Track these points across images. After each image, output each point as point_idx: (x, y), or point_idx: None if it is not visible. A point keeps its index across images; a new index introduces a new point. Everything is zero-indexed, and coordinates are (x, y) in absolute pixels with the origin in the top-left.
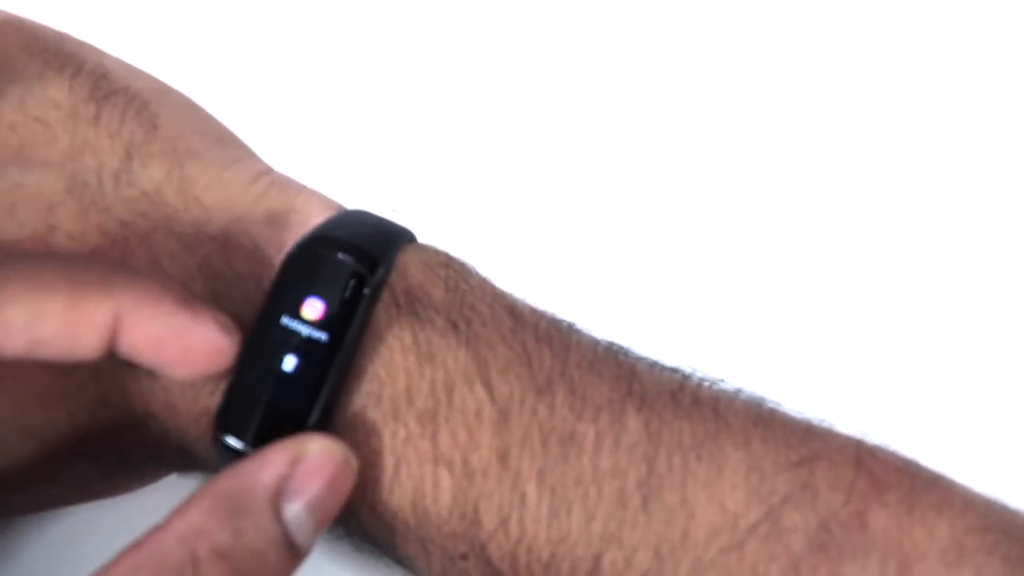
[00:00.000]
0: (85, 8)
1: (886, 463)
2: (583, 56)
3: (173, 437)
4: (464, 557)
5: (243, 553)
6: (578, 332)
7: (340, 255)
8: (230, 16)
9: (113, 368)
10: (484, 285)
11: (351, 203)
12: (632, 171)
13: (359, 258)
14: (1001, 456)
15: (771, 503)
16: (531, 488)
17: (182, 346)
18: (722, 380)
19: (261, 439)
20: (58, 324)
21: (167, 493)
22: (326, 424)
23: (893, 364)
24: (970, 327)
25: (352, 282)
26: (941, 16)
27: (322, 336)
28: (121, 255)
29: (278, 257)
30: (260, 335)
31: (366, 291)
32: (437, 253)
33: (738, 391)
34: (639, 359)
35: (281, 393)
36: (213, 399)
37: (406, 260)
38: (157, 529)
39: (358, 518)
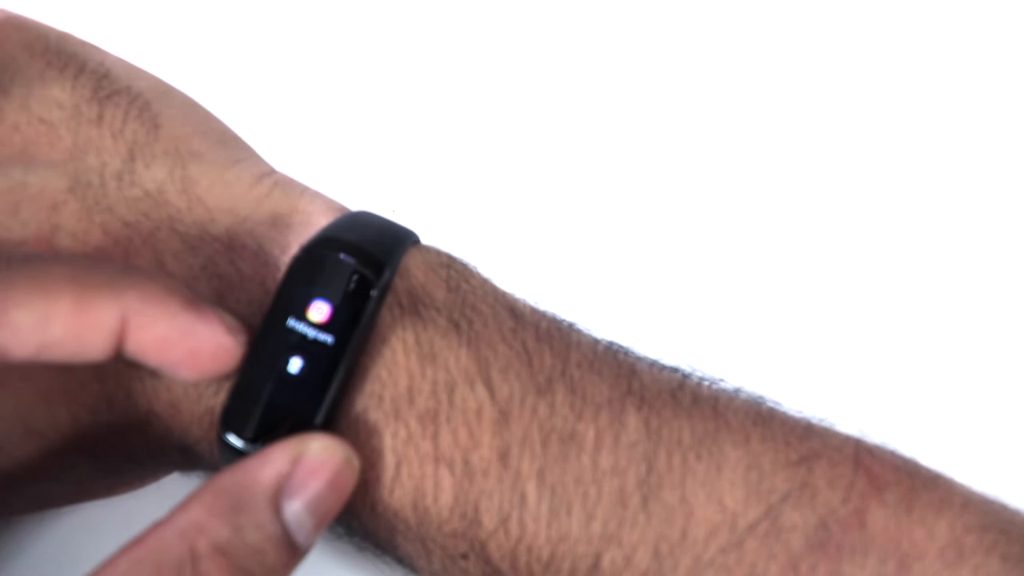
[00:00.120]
0: (86, 8)
1: (885, 462)
2: (583, 57)
3: (176, 436)
4: (464, 556)
5: (242, 550)
6: (578, 331)
7: (346, 258)
8: (231, 16)
9: (116, 367)
10: (485, 285)
11: (352, 203)
12: (632, 171)
13: (365, 261)
14: (1001, 455)
15: (770, 502)
16: (531, 487)
17: (188, 347)
18: (722, 379)
19: (265, 440)
20: (66, 326)
21: (167, 493)
22: (330, 425)
23: (892, 364)
24: (969, 327)
25: (358, 285)
26: (941, 16)
27: (328, 339)
28: (124, 255)
29: (282, 258)
30: (266, 336)
31: (373, 294)
32: (439, 254)
33: (737, 390)
34: (639, 358)
35: (286, 394)
36: (216, 399)
37: (408, 261)
38: (158, 525)
39: (359, 517)
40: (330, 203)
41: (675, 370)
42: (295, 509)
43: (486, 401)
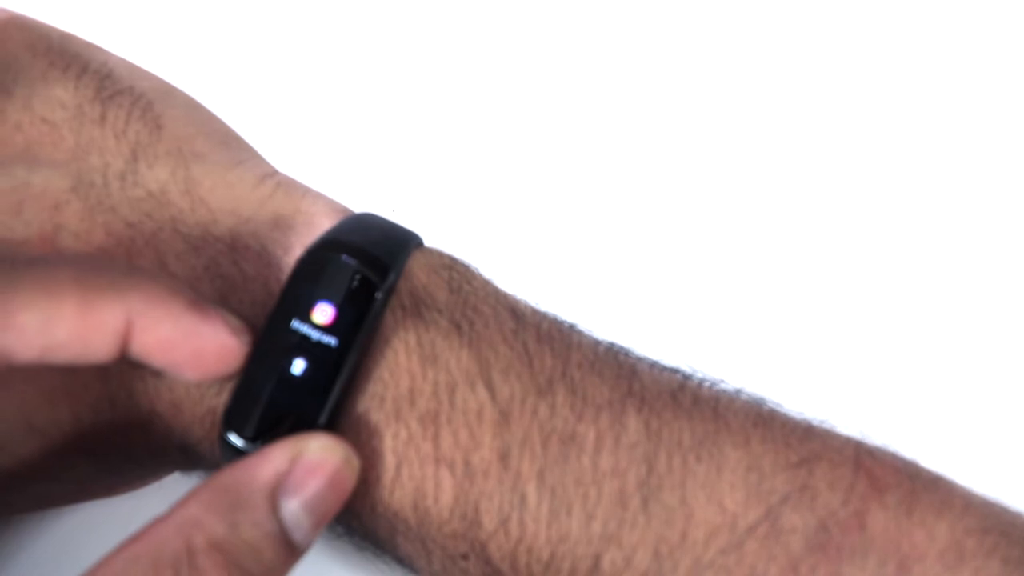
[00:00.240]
0: (87, 8)
1: (885, 464)
2: (584, 58)
3: (177, 436)
4: (465, 557)
5: (238, 546)
6: (579, 333)
7: (351, 261)
8: (233, 17)
9: (118, 367)
10: (487, 286)
11: (354, 204)
12: (632, 172)
13: (370, 264)
14: (1001, 457)
15: (770, 503)
16: (531, 488)
17: (193, 348)
18: (722, 380)
19: (266, 440)
20: (70, 329)
21: (167, 493)
22: (332, 426)
23: (893, 365)
24: (969, 328)
25: (363, 288)
26: (941, 16)
27: (332, 341)
28: (127, 255)
29: (285, 259)
30: (269, 337)
31: (377, 297)
32: (440, 255)
33: (738, 391)
34: (639, 359)
35: (289, 396)
36: (219, 399)
37: (411, 262)
38: (156, 521)
39: (359, 517)
40: (333, 204)
41: (676, 371)
42: (292, 508)
43: (487, 402)
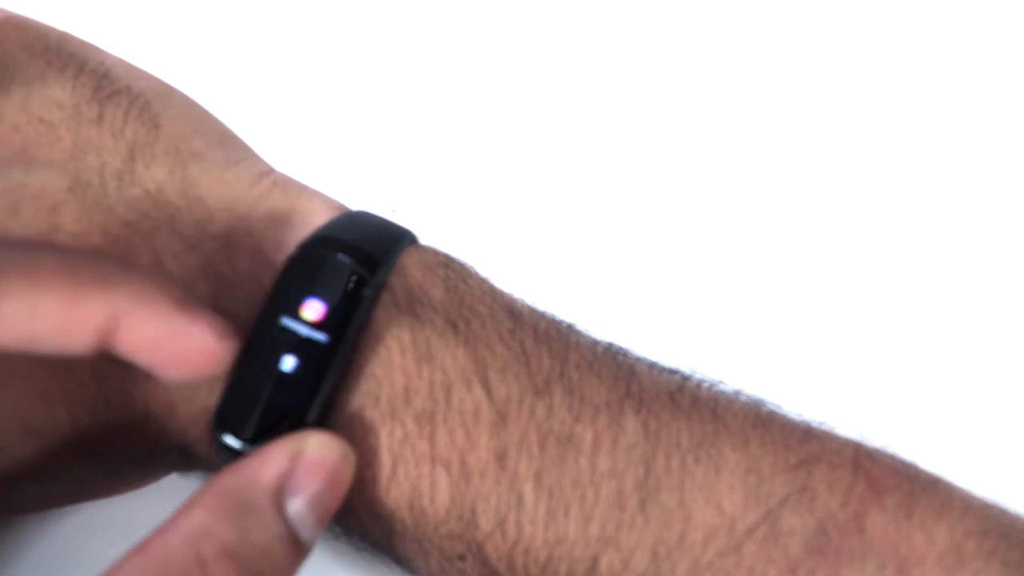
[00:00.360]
0: (86, 8)
1: (885, 466)
2: (583, 57)
3: (173, 436)
4: (462, 558)
5: (250, 552)
6: (577, 333)
7: (341, 256)
8: (230, 16)
9: (114, 367)
10: (483, 285)
11: (351, 203)
12: (630, 172)
13: (360, 260)
14: (1000, 459)
15: (769, 505)
16: (528, 489)
17: (177, 349)
18: (721, 382)
19: (259, 438)
20: (54, 320)
21: (167, 493)
22: (324, 424)
23: (892, 367)
24: (969, 329)
25: (352, 284)
26: (941, 16)
27: (321, 337)
28: (124, 255)
29: (280, 257)
30: (260, 334)
31: (366, 293)
32: (436, 253)
33: (737, 392)
34: (638, 360)
35: (280, 393)
36: (211, 398)
37: (406, 260)
38: (162, 530)
39: (356, 517)
40: (330, 202)
41: (674, 372)
42: (297, 507)
43: (483, 402)
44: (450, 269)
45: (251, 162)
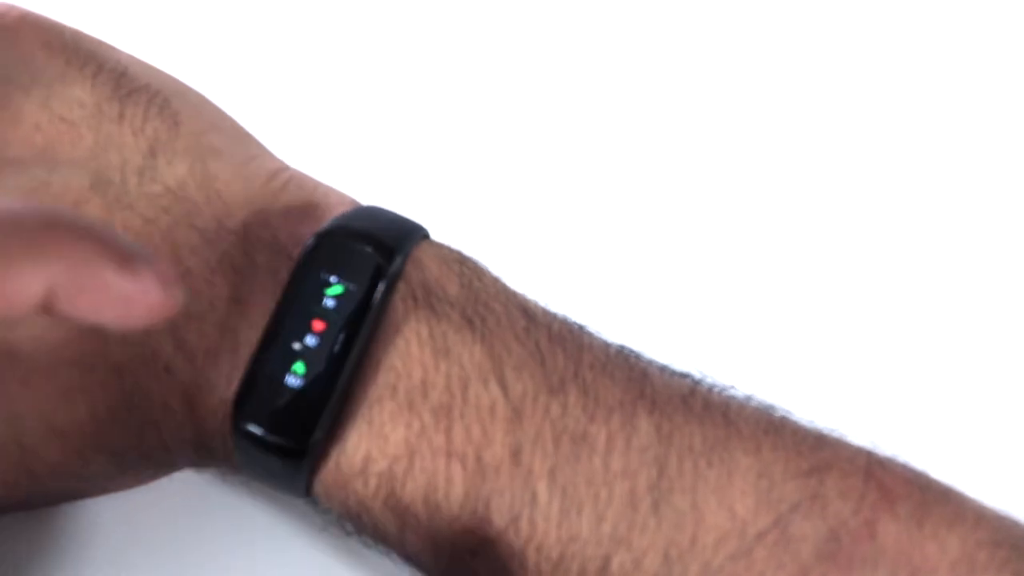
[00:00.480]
0: (85, 8)
1: (896, 475)
2: (596, 59)
3: (190, 431)
4: (473, 554)
5: None
6: (590, 334)
7: (359, 244)
8: (236, 14)
9: (134, 365)
10: (497, 283)
11: (363, 201)
12: (641, 175)
13: (377, 247)
14: (1011, 470)
15: (780, 511)
16: (542, 487)
17: (121, 306)
18: (732, 386)
19: (278, 424)
20: None
21: (168, 493)
22: (342, 410)
23: (903, 376)
24: (982, 340)
25: (370, 271)
26: (941, 16)
27: (341, 324)
28: None
29: (296, 250)
30: (279, 322)
31: (384, 280)
32: (451, 250)
33: (748, 398)
34: (650, 363)
35: (299, 380)
36: (230, 390)
37: (421, 254)
38: None
39: (370, 511)
40: (343, 197)
41: (685, 376)
42: None
43: (499, 398)
44: (465, 266)
45: (267, 158)
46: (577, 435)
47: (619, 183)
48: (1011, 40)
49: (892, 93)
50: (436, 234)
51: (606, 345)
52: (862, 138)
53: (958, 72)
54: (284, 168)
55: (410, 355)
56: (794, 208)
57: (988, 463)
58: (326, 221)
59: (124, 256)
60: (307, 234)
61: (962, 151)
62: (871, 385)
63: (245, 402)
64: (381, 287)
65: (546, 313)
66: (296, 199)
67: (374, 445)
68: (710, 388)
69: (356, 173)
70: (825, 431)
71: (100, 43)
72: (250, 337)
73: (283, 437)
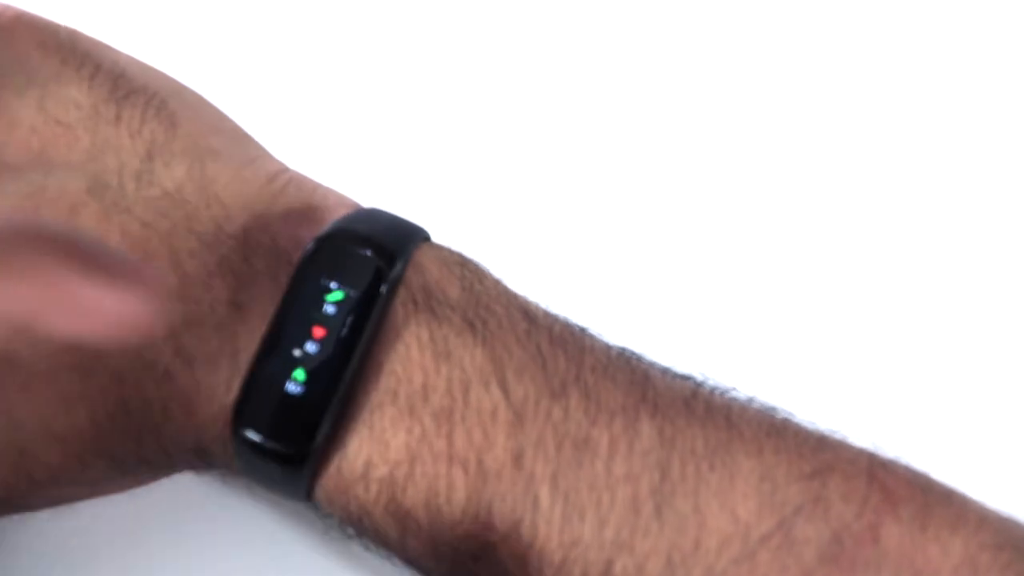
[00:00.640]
0: (84, 7)
1: (899, 477)
2: (596, 62)
3: (190, 437)
4: (475, 559)
5: None
6: (591, 336)
7: (359, 249)
8: (236, 14)
9: (133, 371)
10: (498, 286)
11: (363, 202)
12: (642, 175)
13: (377, 252)
14: (1013, 471)
15: (783, 514)
16: (544, 491)
17: (101, 324)
18: (733, 388)
19: (278, 431)
20: None
21: (167, 493)
22: (342, 416)
23: (904, 377)
24: (982, 341)
25: (371, 275)
26: (941, 16)
27: (341, 329)
28: (142, 255)
29: (296, 253)
30: (279, 328)
31: (384, 285)
32: (451, 252)
33: (750, 400)
34: (651, 365)
35: (299, 386)
36: (230, 397)
37: (422, 257)
38: None
39: (371, 516)
40: (343, 199)
41: (687, 378)
42: None
43: (501, 402)
44: (466, 268)
45: (266, 160)
46: (579, 439)
47: (619, 183)
48: (1011, 40)
49: (892, 94)
50: (437, 235)
51: (608, 347)
52: (863, 140)
53: (958, 72)
54: (284, 170)
55: (411, 360)
56: (795, 210)
57: (990, 464)
58: (326, 225)
59: (102, 278)
60: (307, 237)
61: (962, 152)
62: (872, 386)
63: (245, 408)
64: (382, 292)
65: (547, 315)
66: (296, 202)
67: (375, 451)
68: (712, 390)
69: (356, 174)
70: (827, 433)
71: (97, 43)
72: (250, 342)
73: (283, 444)
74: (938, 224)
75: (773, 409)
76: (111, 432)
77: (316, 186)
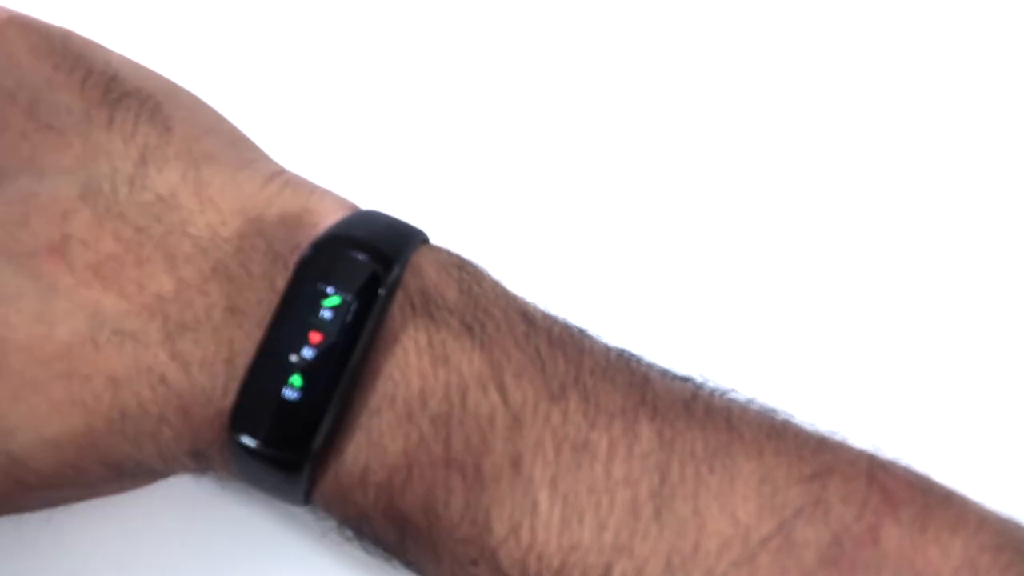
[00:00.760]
0: (83, 7)
1: (899, 478)
2: (595, 63)
3: (187, 441)
4: (474, 563)
5: None
6: (590, 338)
7: (356, 254)
8: (234, 15)
9: (128, 376)
10: (496, 288)
11: (361, 204)
12: (641, 176)
13: (374, 257)
14: (1013, 472)
15: (783, 516)
16: (543, 495)
17: None
18: (733, 390)
19: (275, 437)
20: None
21: (166, 498)
22: (339, 422)
23: (904, 378)
24: (982, 342)
25: (367, 280)
26: (941, 16)
27: (337, 335)
28: (135, 261)
29: (292, 257)
30: (275, 333)
31: (381, 290)
32: (450, 254)
33: (750, 401)
34: (651, 367)
35: (296, 391)
36: (226, 401)
37: (420, 260)
38: None
39: (370, 521)
40: (341, 201)
41: (687, 380)
42: None
43: (499, 406)
44: (464, 271)
45: (262, 163)
46: (578, 443)
47: (619, 184)
48: (1011, 40)
49: (891, 95)
50: (436, 235)
51: (607, 349)
52: (863, 141)
53: (958, 72)
54: (280, 172)
55: (408, 364)
56: (795, 212)
57: (990, 466)
58: (322, 228)
59: None
60: (303, 241)
61: (962, 153)
62: (872, 388)
63: (241, 414)
64: (379, 297)
65: (546, 317)
66: (292, 205)
67: (372, 456)
68: (712, 392)
69: (354, 175)
70: (827, 434)
71: (90, 44)
72: (246, 347)
73: (279, 450)
74: (937, 226)
75: (773, 411)
76: (107, 437)
77: (313, 188)
